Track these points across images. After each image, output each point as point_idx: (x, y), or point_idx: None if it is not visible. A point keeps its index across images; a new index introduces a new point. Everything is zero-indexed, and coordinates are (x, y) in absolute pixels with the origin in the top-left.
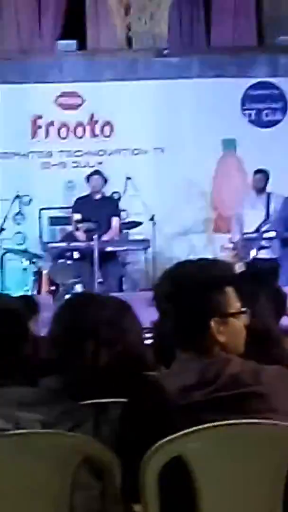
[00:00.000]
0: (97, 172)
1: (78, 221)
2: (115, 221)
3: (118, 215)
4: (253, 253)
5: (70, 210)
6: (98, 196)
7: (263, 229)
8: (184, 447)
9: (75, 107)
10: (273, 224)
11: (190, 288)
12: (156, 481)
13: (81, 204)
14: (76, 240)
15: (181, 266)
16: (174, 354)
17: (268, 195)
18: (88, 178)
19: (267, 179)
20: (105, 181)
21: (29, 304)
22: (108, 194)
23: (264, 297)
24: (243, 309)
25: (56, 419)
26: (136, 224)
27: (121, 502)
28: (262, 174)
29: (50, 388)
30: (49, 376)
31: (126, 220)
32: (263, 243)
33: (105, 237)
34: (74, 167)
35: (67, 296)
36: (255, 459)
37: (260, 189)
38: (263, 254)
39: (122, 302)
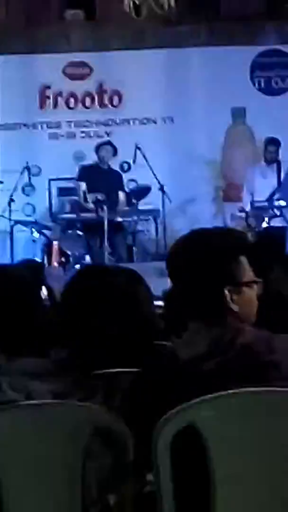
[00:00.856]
0: (107, 142)
1: (86, 192)
2: (122, 195)
3: (123, 189)
4: (265, 221)
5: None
6: (105, 167)
7: (275, 197)
8: (197, 415)
9: (83, 77)
10: (285, 192)
11: (204, 256)
12: (168, 450)
13: (87, 173)
14: (86, 210)
15: (195, 235)
16: (186, 324)
17: (279, 163)
18: (98, 148)
19: (278, 148)
20: (115, 152)
21: (36, 272)
22: (118, 163)
23: (278, 266)
24: (257, 279)
25: (67, 389)
26: (145, 190)
27: (133, 471)
28: (274, 143)
29: (62, 359)
30: (60, 346)
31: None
32: (275, 211)
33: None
34: (83, 137)
35: (77, 267)
36: (268, 427)
37: (272, 159)
38: (275, 223)
39: (133, 272)
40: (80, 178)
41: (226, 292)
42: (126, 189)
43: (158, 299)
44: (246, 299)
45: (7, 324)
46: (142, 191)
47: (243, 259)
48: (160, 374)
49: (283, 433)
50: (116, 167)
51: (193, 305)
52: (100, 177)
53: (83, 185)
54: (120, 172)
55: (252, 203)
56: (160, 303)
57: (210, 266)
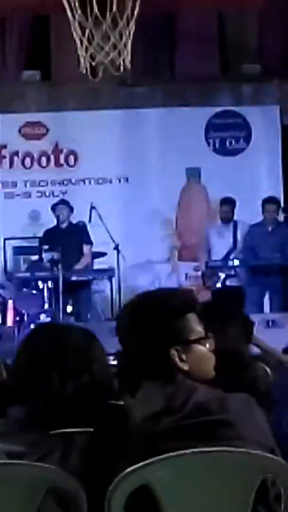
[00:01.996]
0: (62, 201)
1: (44, 251)
2: (86, 248)
3: (89, 242)
4: (220, 281)
5: (35, 240)
6: (65, 225)
7: (231, 257)
8: (151, 475)
9: (39, 136)
10: (240, 252)
11: (149, 318)
12: (122, 509)
13: (49, 235)
14: (41, 269)
15: (140, 298)
16: (140, 382)
17: (235, 223)
18: (53, 207)
19: (234, 207)
20: (71, 210)
21: None
22: (74, 222)
23: (233, 324)
24: (207, 334)
25: (24, 449)
26: (100, 254)
27: None
28: (228, 203)
29: (17, 419)
30: (16, 406)
31: (91, 250)
32: (230, 271)
33: (78, 266)
34: (39, 196)
35: (32, 326)
36: (222, 487)
37: (227, 218)
38: (231, 282)
39: (86, 331)
40: (43, 242)
41: (174, 351)
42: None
43: (113, 358)
44: (197, 356)
45: None
46: (98, 252)
47: (191, 316)
48: (114, 434)
49: (237, 493)
50: None
51: (144, 366)
52: (61, 236)
53: (45, 247)
54: (84, 223)
55: (207, 262)
56: (114, 362)
57: (156, 327)
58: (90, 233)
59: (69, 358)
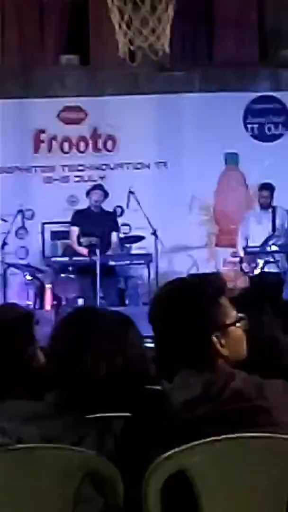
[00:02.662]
0: (97, 186)
1: (79, 235)
2: (114, 236)
3: (117, 230)
4: (258, 267)
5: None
6: (97, 210)
7: (269, 243)
8: (187, 461)
9: (78, 121)
10: (279, 238)
11: (186, 305)
12: (159, 495)
13: (80, 217)
14: (78, 254)
15: (171, 287)
16: (177, 368)
17: (274, 209)
18: (88, 192)
19: (272, 193)
20: (106, 195)
21: (28, 315)
22: (111, 208)
23: (270, 310)
24: (240, 315)
25: (59, 433)
26: (139, 238)
27: None
28: (267, 189)
29: (53, 402)
30: (52, 390)
31: (129, 234)
32: (269, 257)
33: (108, 252)
34: (77, 181)
35: (69, 310)
36: (258, 473)
37: (266, 204)
38: (269, 268)
39: (123, 315)
40: (73, 222)
41: (214, 338)
42: (120, 234)
43: (150, 343)
44: (234, 339)
45: (1, 366)
46: (136, 237)
47: (224, 300)
48: (151, 419)
49: (273, 479)
50: (110, 211)
51: (182, 352)
52: (93, 221)
53: (76, 229)
54: (114, 212)
55: (245, 248)
56: (152, 345)
57: (194, 315)
58: (128, 218)
59: (105, 342)
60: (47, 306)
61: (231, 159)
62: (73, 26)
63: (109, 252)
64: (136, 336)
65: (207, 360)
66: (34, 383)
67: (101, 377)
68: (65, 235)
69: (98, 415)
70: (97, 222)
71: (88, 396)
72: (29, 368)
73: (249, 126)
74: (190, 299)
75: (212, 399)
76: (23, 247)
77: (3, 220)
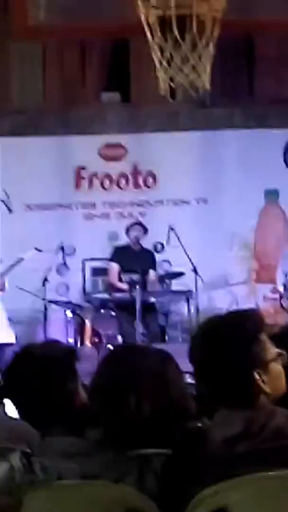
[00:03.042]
0: (136, 223)
1: (120, 272)
2: (152, 274)
3: (155, 268)
4: None
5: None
6: (137, 247)
7: None
8: (229, 498)
9: (119, 158)
10: None
11: (225, 344)
12: None
13: (119, 253)
14: (118, 290)
15: (211, 324)
16: (218, 405)
17: None
18: (128, 229)
19: None
20: (145, 231)
21: (72, 352)
22: (150, 244)
23: None
24: (280, 351)
25: (100, 470)
26: (178, 274)
27: None
28: None
29: (94, 439)
30: (94, 427)
31: (169, 271)
32: None
33: (148, 289)
34: (117, 218)
35: (110, 347)
36: None
37: None
38: None
39: (164, 352)
40: (112, 258)
41: (256, 376)
42: (160, 270)
43: (190, 379)
44: (274, 375)
45: (43, 402)
46: (176, 273)
47: (263, 337)
48: (192, 456)
49: None
50: (150, 247)
51: (223, 390)
52: (132, 258)
53: (116, 266)
54: (152, 251)
55: (285, 284)
56: (192, 381)
57: (234, 352)
58: (168, 254)
59: (146, 380)
60: (88, 343)
61: (271, 195)
62: (115, 63)
63: (148, 289)
64: (176, 373)
65: (248, 397)
66: (75, 420)
67: (143, 415)
68: (106, 271)
69: (138, 452)
70: (136, 258)
71: (129, 433)
72: (71, 404)
73: None
74: (231, 336)
75: (252, 437)
76: (64, 283)
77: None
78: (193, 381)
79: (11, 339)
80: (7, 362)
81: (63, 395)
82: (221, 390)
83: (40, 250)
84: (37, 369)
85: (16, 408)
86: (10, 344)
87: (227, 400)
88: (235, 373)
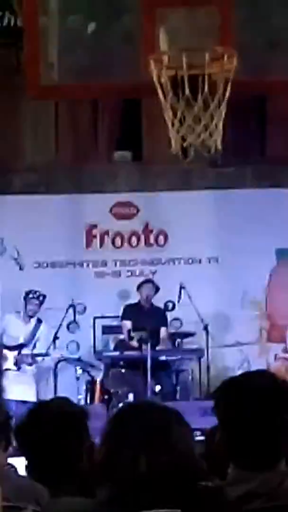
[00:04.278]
0: (148, 280)
1: (130, 330)
2: (163, 331)
3: (166, 325)
4: None
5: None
6: (148, 305)
7: None
8: None
9: (130, 216)
10: None
11: (256, 406)
12: None
13: (131, 311)
14: (129, 348)
15: (250, 378)
16: (228, 463)
17: None
18: (139, 286)
19: None
20: (157, 290)
21: (82, 411)
22: (162, 302)
23: None
24: None
25: None
26: (189, 334)
27: None
28: None
29: (105, 499)
30: (103, 486)
31: (180, 329)
32: None
33: (159, 347)
34: (128, 276)
35: (120, 405)
36: None
37: None
38: None
39: (175, 412)
40: (124, 316)
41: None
42: (171, 328)
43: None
44: None
45: (54, 461)
46: (186, 333)
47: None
48: None
49: None
50: (161, 306)
51: (245, 450)
52: (143, 316)
53: (128, 323)
54: (162, 308)
55: None
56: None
57: (262, 416)
58: (179, 312)
59: (155, 440)
60: (97, 401)
61: (283, 254)
62: (126, 122)
63: (159, 347)
64: (187, 432)
65: (269, 460)
66: (84, 480)
67: (155, 475)
68: (116, 329)
69: (149, 511)
70: (147, 316)
71: (139, 493)
72: (80, 464)
73: None
74: (260, 398)
75: (267, 494)
76: (74, 341)
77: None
78: (202, 439)
79: (32, 397)
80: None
81: (74, 454)
82: (243, 449)
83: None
84: (49, 427)
85: (27, 466)
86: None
87: (245, 459)
88: (261, 435)
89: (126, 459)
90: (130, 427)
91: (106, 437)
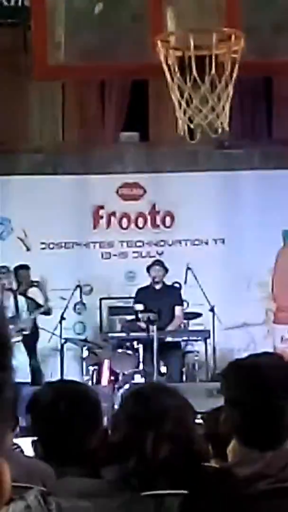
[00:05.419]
0: (158, 262)
1: (139, 311)
2: (178, 310)
3: (181, 304)
4: None
5: (130, 300)
6: (159, 286)
7: None
8: None
9: (137, 197)
10: None
11: (264, 389)
12: None
13: (142, 294)
14: (136, 330)
15: (258, 359)
16: (228, 443)
17: None
18: (148, 268)
19: None
20: (166, 271)
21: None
22: (168, 283)
23: None
24: None
25: (116, 511)
26: (196, 315)
27: None
28: None
29: (111, 480)
30: (109, 467)
31: (187, 310)
32: None
33: (170, 327)
34: (135, 257)
35: (126, 386)
36: None
37: None
38: None
39: (180, 394)
40: (136, 300)
41: None
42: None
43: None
44: None
45: (64, 442)
46: (193, 313)
47: None
48: (212, 495)
49: None
50: None
51: (252, 432)
52: (155, 297)
53: (141, 306)
54: (178, 288)
55: None
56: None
57: (269, 399)
58: (185, 294)
59: (167, 423)
60: (104, 382)
61: None
62: (133, 103)
63: (170, 327)
64: (194, 416)
65: (276, 441)
66: (92, 461)
67: (160, 456)
68: (123, 310)
69: (154, 492)
70: (159, 297)
71: (146, 474)
72: (88, 445)
73: None
74: (267, 383)
75: (272, 475)
76: (81, 322)
77: (62, 298)
78: (201, 421)
79: (27, 379)
80: (29, 399)
81: (86, 438)
82: (250, 431)
83: None
84: (71, 408)
85: (34, 443)
86: (26, 383)
87: (251, 440)
88: (268, 417)
89: (135, 439)
90: (144, 406)
91: (115, 419)
